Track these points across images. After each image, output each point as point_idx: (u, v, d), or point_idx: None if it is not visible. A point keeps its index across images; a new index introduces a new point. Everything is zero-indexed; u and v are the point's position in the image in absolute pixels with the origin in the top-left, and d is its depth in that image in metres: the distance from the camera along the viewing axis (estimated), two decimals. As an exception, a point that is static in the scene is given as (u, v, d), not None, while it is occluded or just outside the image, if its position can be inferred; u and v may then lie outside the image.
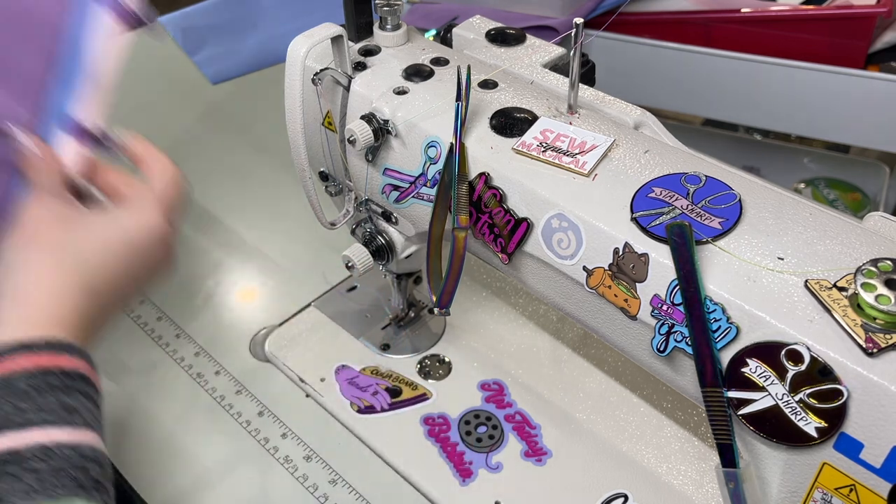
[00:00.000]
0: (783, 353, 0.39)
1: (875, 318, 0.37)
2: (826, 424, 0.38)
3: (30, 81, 0.53)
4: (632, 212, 0.44)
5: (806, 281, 0.40)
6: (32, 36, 0.53)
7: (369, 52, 0.57)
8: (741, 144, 1.16)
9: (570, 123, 0.50)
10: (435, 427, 0.63)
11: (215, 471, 0.61)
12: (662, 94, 1.00)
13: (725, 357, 0.41)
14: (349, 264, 0.60)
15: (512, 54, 0.59)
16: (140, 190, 0.48)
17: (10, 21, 0.53)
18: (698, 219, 0.43)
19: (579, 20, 0.46)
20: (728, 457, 0.42)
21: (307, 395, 0.66)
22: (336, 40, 0.53)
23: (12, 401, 0.39)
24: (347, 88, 0.55)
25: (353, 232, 0.62)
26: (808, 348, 0.38)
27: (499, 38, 0.60)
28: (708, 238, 0.42)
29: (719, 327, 0.41)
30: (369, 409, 0.64)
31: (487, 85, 0.54)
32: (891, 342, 0.37)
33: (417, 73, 0.55)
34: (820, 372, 0.38)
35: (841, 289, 0.39)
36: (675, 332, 0.42)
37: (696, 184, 0.45)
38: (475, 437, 0.62)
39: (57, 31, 0.53)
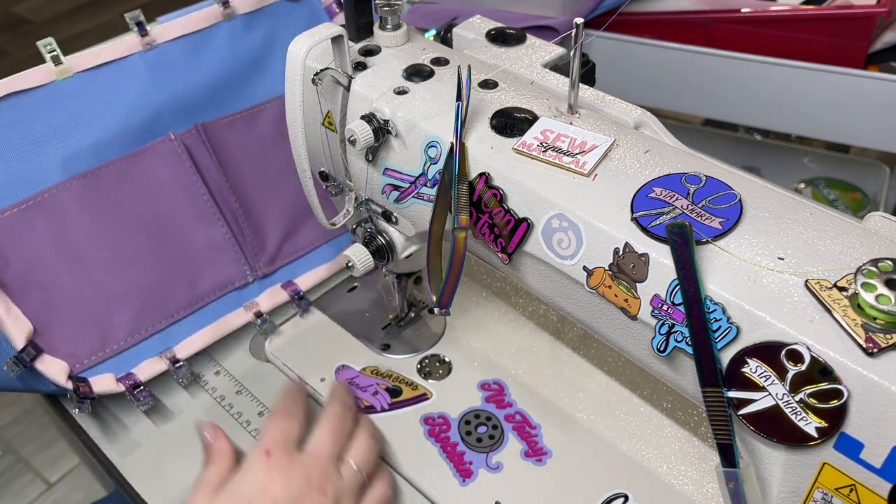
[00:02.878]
0: (783, 353, 0.39)
1: (875, 318, 0.37)
2: (826, 424, 0.38)
3: None
4: (632, 212, 0.44)
5: (806, 281, 0.40)
6: None
7: (369, 52, 0.57)
8: (741, 144, 1.16)
9: (571, 123, 0.50)
10: (435, 427, 0.63)
11: (215, 471, 0.61)
12: (662, 94, 1.00)
13: (725, 357, 0.41)
14: (349, 264, 0.60)
15: (512, 54, 0.59)
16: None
17: None
18: (698, 219, 0.43)
19: (579, 20, 0.46)
20: (728, 457, 0.42)
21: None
22: (336, 40, 0.53)
23: None
24: (347, 88, 0.55)
25: (353, 232, 0.62)
26: (808, 348, 0.38)
27: (499, 38, 0.60)
28: (708, 238, 0.42)
29: (719, 327, 0.41)
30: (369, 409, 0.64)
31: (487, 85, 0.54)
32: (891, 342, 0.37)
33: (417, 73, 0.55)
34: (820, 372, 0.38)
35: (841, 289, 0.39)
36: (676, 332, 0.42)
37: (697, 184, 0.45)
38: (475, 437, 0.62)
39: None
